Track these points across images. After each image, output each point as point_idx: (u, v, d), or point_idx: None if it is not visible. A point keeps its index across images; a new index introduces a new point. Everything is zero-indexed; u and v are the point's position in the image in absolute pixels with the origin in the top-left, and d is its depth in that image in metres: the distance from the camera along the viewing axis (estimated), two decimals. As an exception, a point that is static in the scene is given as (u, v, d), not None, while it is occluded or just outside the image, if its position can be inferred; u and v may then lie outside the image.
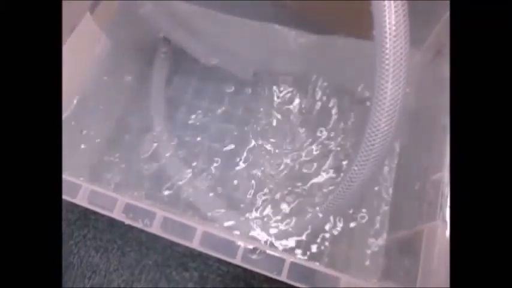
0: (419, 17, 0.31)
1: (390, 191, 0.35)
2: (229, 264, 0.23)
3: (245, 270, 0.23)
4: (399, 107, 0.25)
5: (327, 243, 0.37)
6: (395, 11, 0.25)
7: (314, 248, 0.37)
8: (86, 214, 0.41)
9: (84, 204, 0.26)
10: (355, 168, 0.28)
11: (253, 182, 0.40)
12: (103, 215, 0.38)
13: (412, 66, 0.36)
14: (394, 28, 0.25)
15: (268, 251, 0.22)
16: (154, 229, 0.24)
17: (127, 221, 0.24)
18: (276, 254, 0.22)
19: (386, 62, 0.25)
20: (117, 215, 0.25)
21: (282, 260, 0.22)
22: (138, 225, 0.24)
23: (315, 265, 0.22)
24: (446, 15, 0.32)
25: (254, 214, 0.39)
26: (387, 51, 0.25)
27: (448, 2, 0.30)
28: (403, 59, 0.25)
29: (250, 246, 0.22)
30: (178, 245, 0.38)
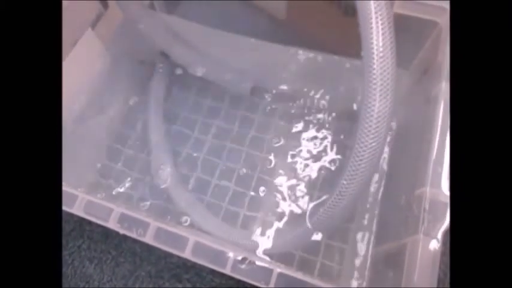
0: (408, 37, 0.33)
1: (378, 204, 0.35)
2: (222, 276, 0.24)
3: (238, 281, 0.23)
4: (386, 124, 0.26)
5: (316, 255, 0.37)
6: (383, 33, 0.26)
7: (303, 260, 0.37)
8: (81, 224, 0.41)
9: (81, 214, 0.26)
10: (344, 182, 0.28)
11: (247, 195, 0.41)
12: (98, 226, 0.39)
13: (401, 85, 0.37)
14: (381, 49, 0.26)
15: (257, 262, 0.23)
16: (148, 239, 0.25)
17: (121, 231, 0.25)
18: (265, 265, 0.23)
19: (374, 81, 0.26)
20: (112, 224, 0.25)
21: (270, 271, 0.23)
22: (132, 234, 0.25)
23: (302, 275, 0.22)
24: (433, 35, 0.33)
25: (247, 226, 0.40)
26: (374, 71, 0.26)
27: (435, 23, 0.32)
28: (390, 79, 0.26)
29: (240, 257, 0.23)
30: (172, 256, 0.39)
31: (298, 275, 0.22)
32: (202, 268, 0.38)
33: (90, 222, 0.40)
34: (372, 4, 0.25)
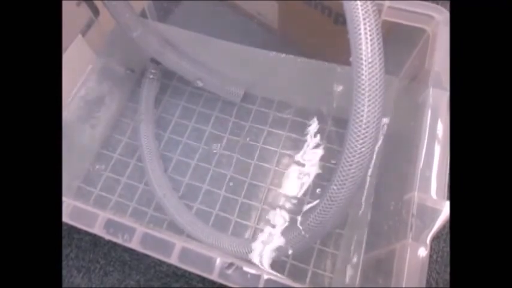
0: (397, 45, 0.33)
1: (369, 210, 0.35)
2: (213, 284, 0.23)
3: (228, 291, 0.23)
4: (375, 129, 0.27)
5: (308, 263, 0.37)
6: (371, 39, 0.26)
7: (295, 267, 0.37)
8: (69, 233, 0.40)
9: (66, 220, 0.26)
10: (334, 187, 0.28)
11: (238, 201, 0.41)
12: (86, 234, 0.38)
13: (390, 91, 0.37)
14: (369, 55, 0.26)
15: (244, 267, 0.23)
16: (134, 244, 0.24)
17: (107, 236, 0.24)
18: (252, 271, 0.23)
19: (362, 87, 0.26)
20: (98, 230, 0.25)
21: (258, 276, 0.22)
22: (118, 240, 0.24)
23: (290, 282, 0.22)
24: (421, 43, 0.33)
25: (238, 233, 0.39)
26: (363, 76, 0.26)
27: (423, 30, 0.32)
28: (378, 84, 0.26)
29: (227, 262, 0.23)
30: (161, 265, 0.38)
31: (286, 281, 0.22)
32: (192, 277, 0.38)
33: (78, 231, 0.39)
34: (360, 12, 0.25)
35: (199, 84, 0.45)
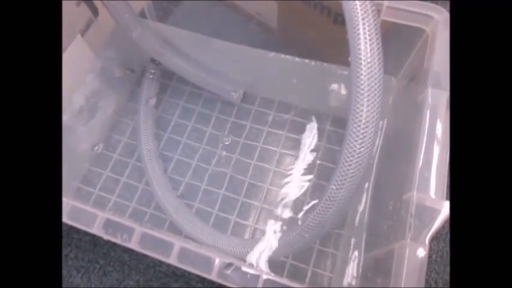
0: (396, 45, 0.33)
1: (367, 210, 0.35)
2: (212, 284, 0.23)
3: (228, 291, 0.23)
4: (374, 129, 0.27)
5: (307, 263, 0.37)
6: (370, 39, 0.26)
7: (294, 268, 0.37)
8: (69, 233, 0.41)
9: (66, 220, 0.26)
10: (333, 187, 0.28)
11: (238, 202, 0.41)
12: (86, 234, 0.38)
13: (389, 91, 0.37)
14: (368, 55, 0.26)
15: (243, 267, 0.23)
16: (133, 244, 0.24)
17: (106, 236, 0.24)
18: (251, 271, 0.23)
19: (361, 87, 0.26)
20: (97, 230, 0.25)
21: (257, 277, 0.22)
22: (117, 240, 0.24)
23: (289, 282, 0.22)
24: (420, 43, 0.33)
25: (238, 233, 0.39)
26: (362, 76, 0.26)
27: (422, 30, 0.32)
28: (377, 84, 0.26)
29: (226, 262, 0.23)
30: (160, 265, 0.38)
31: (285, 282, 0.22)
32: (191, 277, 0.38)
33: (77, 231, 0.39)
34: (359, 12, 0.25)
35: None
